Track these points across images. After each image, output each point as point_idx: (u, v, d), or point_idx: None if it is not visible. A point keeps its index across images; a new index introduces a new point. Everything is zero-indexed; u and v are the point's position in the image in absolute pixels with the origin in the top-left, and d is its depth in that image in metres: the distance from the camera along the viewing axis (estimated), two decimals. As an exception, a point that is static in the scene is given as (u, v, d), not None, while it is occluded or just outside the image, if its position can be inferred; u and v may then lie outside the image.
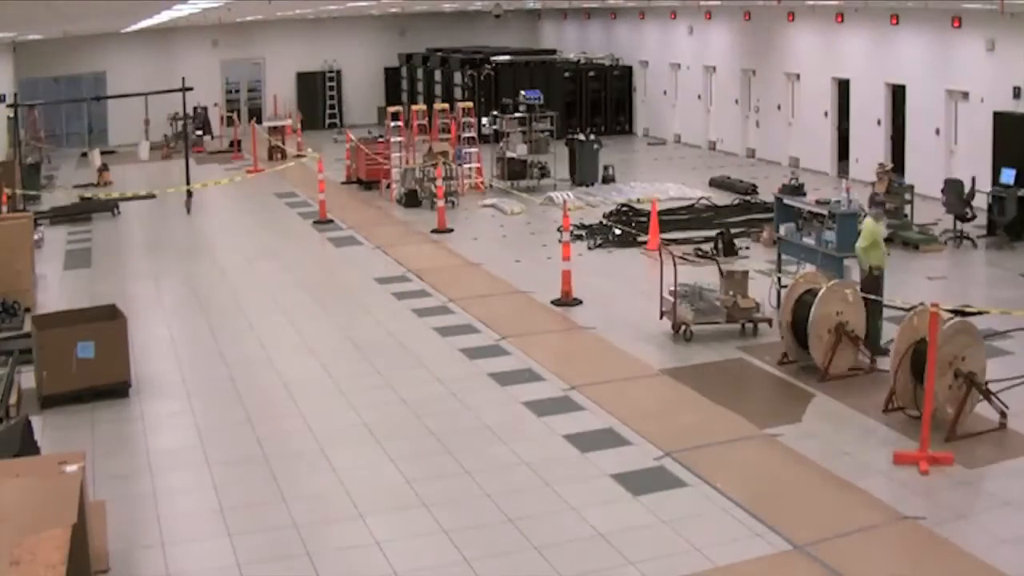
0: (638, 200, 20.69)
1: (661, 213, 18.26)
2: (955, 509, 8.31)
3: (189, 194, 21.23)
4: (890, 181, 17.22)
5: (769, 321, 12.60)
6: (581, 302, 14.16)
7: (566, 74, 31.37)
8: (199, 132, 30.79)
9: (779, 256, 13.94)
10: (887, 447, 9.39)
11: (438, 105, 25.31)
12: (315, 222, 20.17)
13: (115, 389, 11.02)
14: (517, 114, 22.95)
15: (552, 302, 14.23)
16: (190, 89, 22.01)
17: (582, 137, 23.46)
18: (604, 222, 18.81)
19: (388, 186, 22.42)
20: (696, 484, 8.86)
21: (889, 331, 12.32)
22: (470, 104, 24.48)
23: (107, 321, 11.33)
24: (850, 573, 7.38)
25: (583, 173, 22.96)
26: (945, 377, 9.45)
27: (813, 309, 10.98)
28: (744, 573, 7.54)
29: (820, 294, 11.05)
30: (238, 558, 7.79)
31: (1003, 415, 9.69)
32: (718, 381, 11.22)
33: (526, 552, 7.81)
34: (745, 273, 13.09)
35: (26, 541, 6.05)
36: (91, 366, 10.76)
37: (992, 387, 9.68)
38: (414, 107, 25.30)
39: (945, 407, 9.46)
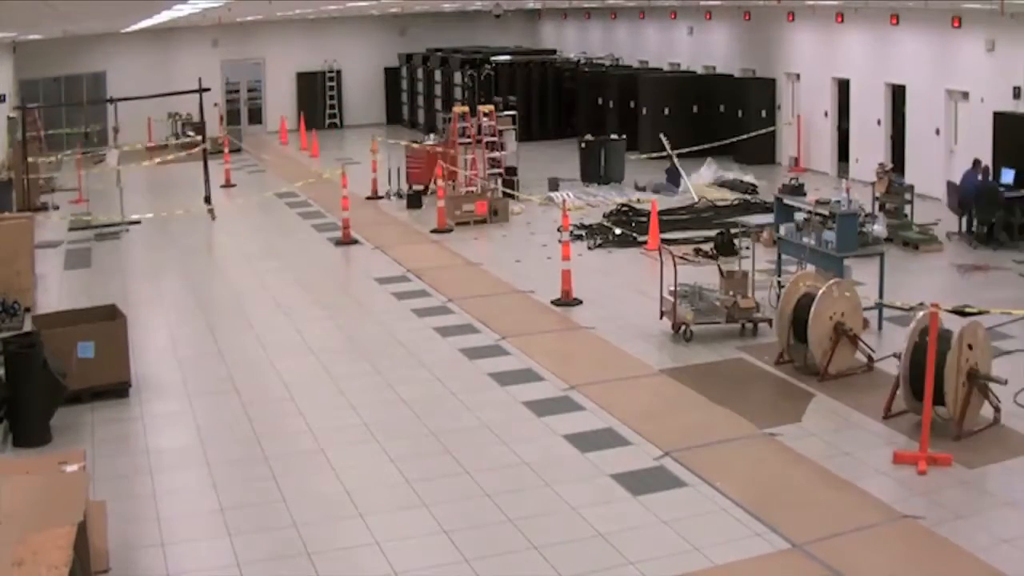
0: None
1: (661, 213, 18.28)
2: (955, 509, 8.31)
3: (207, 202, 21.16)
4: (890, 181, 17.25)
5: (769, 321, 12.61)
6: (581, 302, 14.17)
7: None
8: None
9: (779, 256, 13.95)
10: (887, 447, 9.40)
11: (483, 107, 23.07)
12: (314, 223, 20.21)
13: (115, 389, 11.03)
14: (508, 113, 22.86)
15: (552, 302, 14.23)
16: (207, 90, 21.96)
17: (589, 137, 23.56)
18: (604, 222, 18.82)
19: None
20: (696, 484, 8.86)
21: (891, 332, 12.39)
22: (491, 107, 23.50)
23: (107, 321, 11.34)
24: (849, 573, 7.38)
25: (609, 172, 23.03)
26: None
27: (813, 308, 10.99)
28: (743, 572, 7.55)
29: (819, 293, 11.07)
30: (238, 558, 7.79)
31: (997, 409, 9.69)
32: (718, 381, 11.22)
33: (526, 552, 7.82)
34: (745, 273, 13.10)
35: (28, 540, 6.06)
36: (91, 366, 10.76)
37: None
38: (456, 109, 23.15)
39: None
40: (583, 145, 23.78)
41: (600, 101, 29.27)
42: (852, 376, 11.15)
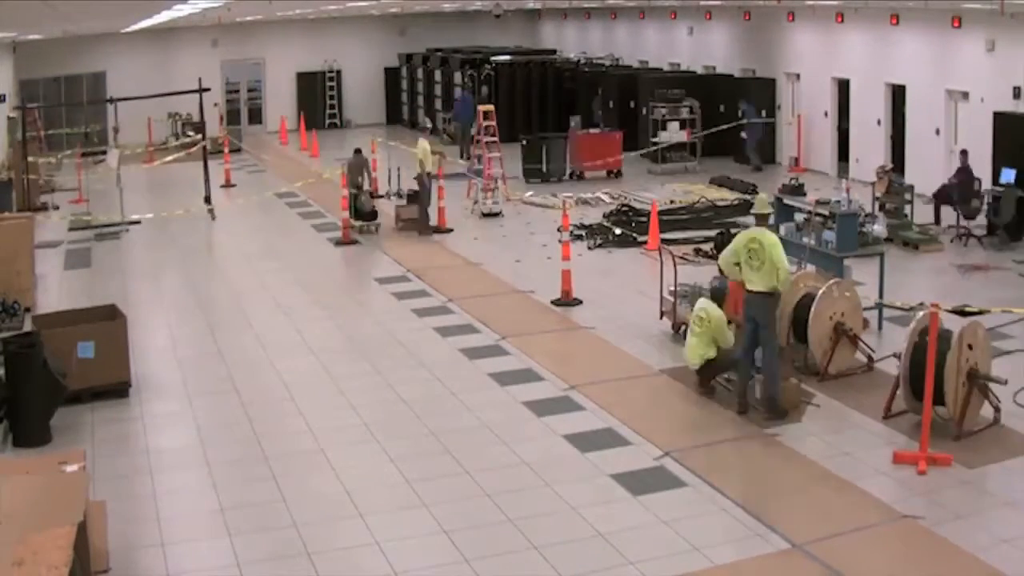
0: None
1: (661, 213, 18.29)
2: (955, 509, 8.31)
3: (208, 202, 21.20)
4: (890, 181, 17.25)
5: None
6: (581, 302, 14.16)
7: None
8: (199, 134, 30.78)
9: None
10: (887, 447, 9.40)
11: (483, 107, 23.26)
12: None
13: (115, 389, 11.01)
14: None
15: (552, 302, 14.24)
16: (207, 90, 21.95)
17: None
18: (604, 222, 18.83)
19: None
20: (696, 484, 8.86)
21: (891, 332, 12.39)
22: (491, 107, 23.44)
23: (107, 321, 11.34)
24: (849, 573, 7.38)
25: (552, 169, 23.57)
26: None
27: (812, 308, 11.00)
28: (743, 572, 7.55)
29: (819, 293, 11.07)
30: (238, 558, 7.79)
31: (997, 409, 9.67)
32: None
33: (526, 552, 7.82)
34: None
35: (28, 540, 6.06)
36: (91, 366, 10.74)
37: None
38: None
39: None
40: (524, 143, 23.99)
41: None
42: (852, 376, 11.15)
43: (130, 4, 16.95)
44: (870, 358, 11.34)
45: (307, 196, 22.72)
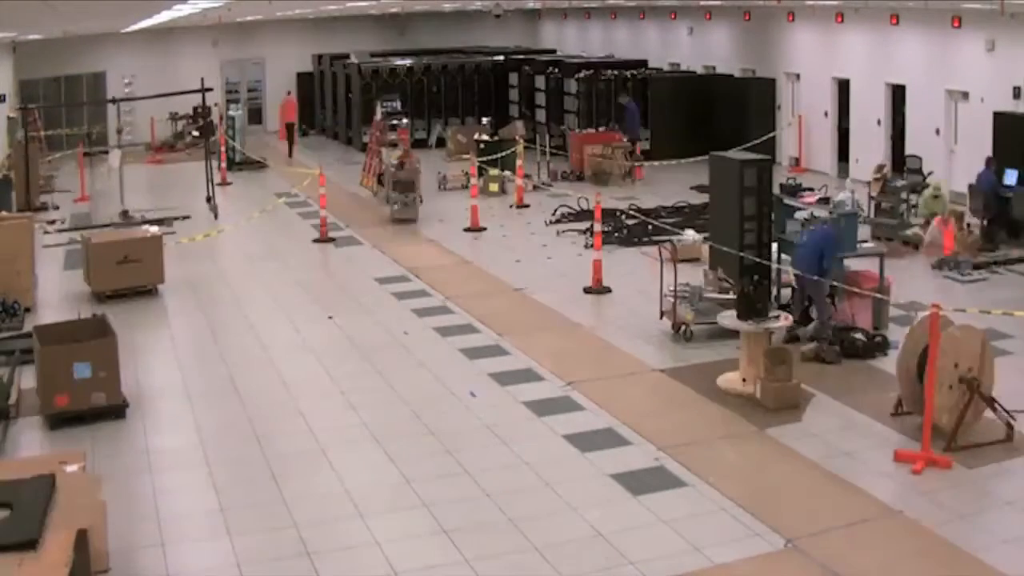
0: None
1: (660, 213, 18.28)
2: (955, 509, 8.31)
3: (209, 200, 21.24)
4: (885, 181, 17.28)
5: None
6: (611, 290, 14.37)
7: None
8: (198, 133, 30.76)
9: (779, 256, 13.93)
10: (887, 447, 9.40)
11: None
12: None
13: (112, 410, 10.38)
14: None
15: (584, 290, 14.63)
16: (209, 90, 21.97)
17: None
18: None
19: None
20: (695, 483, 8.86)
21: (892, 333, 12.38)
22: None
23: (100, 338, 10.53)
24: (848, 572, 7.38)
25: None
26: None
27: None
28: (743, 572, 7.55)
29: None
30: (238, 558, 7.79)
31: (1010, 425, 9.44)
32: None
33: (526, 552, 7.82)
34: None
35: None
36: (88, 386, 10.20)
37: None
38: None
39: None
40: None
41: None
42: (856, 377, 11.14)
43: (130, 4, 16.94)
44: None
45: (307, 196, 22.69)
